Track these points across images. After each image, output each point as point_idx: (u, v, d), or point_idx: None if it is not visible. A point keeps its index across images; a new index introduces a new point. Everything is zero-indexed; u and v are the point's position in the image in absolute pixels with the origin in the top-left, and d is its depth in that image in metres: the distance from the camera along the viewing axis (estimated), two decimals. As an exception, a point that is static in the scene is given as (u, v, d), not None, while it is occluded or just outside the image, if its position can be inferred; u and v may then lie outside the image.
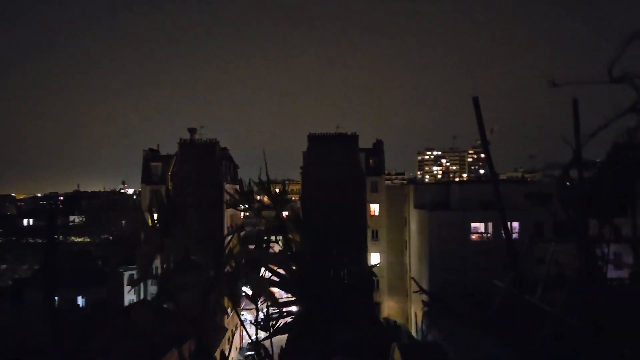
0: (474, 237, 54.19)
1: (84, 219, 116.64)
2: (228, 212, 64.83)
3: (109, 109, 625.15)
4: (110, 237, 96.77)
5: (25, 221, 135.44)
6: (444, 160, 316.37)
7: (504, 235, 12.59)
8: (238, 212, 74.47)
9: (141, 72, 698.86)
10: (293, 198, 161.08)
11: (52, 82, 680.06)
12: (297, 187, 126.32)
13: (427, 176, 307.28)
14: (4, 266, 76.52)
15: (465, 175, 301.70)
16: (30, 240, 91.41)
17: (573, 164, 11.78)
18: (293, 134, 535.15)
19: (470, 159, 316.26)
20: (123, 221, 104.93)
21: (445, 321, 24.40)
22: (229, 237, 64.90)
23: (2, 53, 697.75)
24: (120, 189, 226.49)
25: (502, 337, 8.55)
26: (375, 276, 60.68)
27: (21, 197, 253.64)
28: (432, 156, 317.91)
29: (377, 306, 61.44)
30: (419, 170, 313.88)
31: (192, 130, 64.88)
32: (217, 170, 62.90)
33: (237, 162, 76.37)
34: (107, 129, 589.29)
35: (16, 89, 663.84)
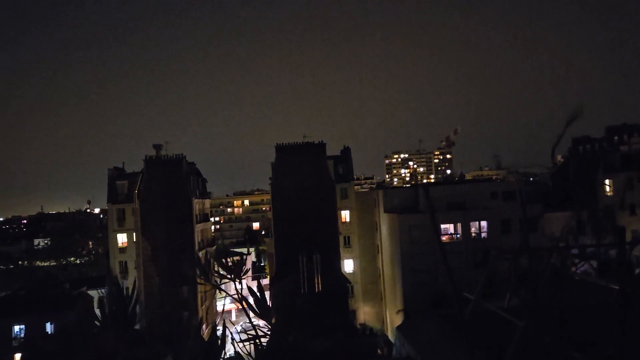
0: (444, 238, 54.98)
1: (49, 242, 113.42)
2: (198, 227, 64.15)
3: (71, 128, 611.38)
4: (77, 260, 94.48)
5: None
6: (411, 163, 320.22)
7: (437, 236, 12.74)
8: (208, 226, 73.78)
9: (104, 89, 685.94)
10: (264, 208, 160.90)
11: (11, 101, 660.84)
12: (267, 197, 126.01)
13: (396, 179, 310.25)
14: (-34, 296, 73.72)
15: (432, 176, 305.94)
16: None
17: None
18: (261, 144, 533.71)
19: (436, 160, 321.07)
20: (90, 242, 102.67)
21: (419, 336, 24.69)
22: (201, 252, 64.32)
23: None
24: (86, 209, 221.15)
25: (474, 351, 8.72)
26: (350, 282, 60.94)
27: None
28: (399, 159, 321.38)
29: (352, 313, 61.66)
30: (387, 173, 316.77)
31: (157, 147, 64.02)
32: (185, 185, 62.19)
33: (206, 175, 75.83)
34: (70, 149, 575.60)
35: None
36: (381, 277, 64.95)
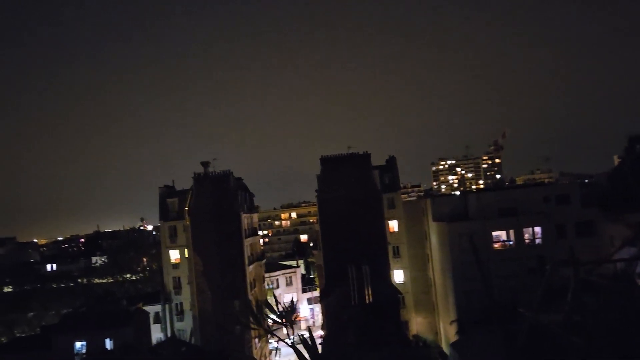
0: (496, 245, 53.52)
1: (105, 260, 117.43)
2: (247, 241, 64.98)
3: (124, 149, 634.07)
4: (133, 276, 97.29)
5: (48, 267, 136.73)
6: (458, 169, 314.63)
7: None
8: (257, 240, 74.63)
9: (153, 110, 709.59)
10: (311, 220, 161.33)
11: (67, 125, 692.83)
12: (314, 209, 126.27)
13: (443, 186, 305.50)
14: (31, 314, 77.11)
15: (481, 182, 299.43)
16: (54, 286, 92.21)
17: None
18: (306, 156, 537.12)
19: (485, 165, 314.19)
20: (144, 259, 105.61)
21: (474, 355, 23.99)
22: (251, 266, 64.81)
23: (19, 101, 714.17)
24: (140, 226, 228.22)
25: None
26: (400, 293, 60.10)
27: (43, 242, 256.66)
28: (446, 165, 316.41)
29: (404, 324, 60.69)
30: (435, 180, 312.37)
31: (205, 164, 65.43)
32: (233, 200, 63.22)
33: (253, 190, 76.82)
34: (123, 169, 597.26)
35: (32, 138, 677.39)
36: (433, 287, 63.78)
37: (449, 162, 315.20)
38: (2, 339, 70.14)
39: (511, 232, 53.67)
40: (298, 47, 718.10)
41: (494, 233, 53.78)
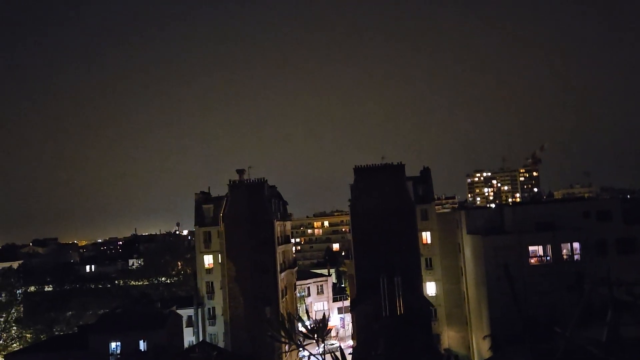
0: (532, 260, 52.42)
1: (142, 263, 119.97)
2: (280, 248, 65.47)
3: (161, 154, 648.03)
4: (167, 280, 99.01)
5: (87, 267, 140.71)
6: (494, 181, 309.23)
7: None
8: (290, 248, 75.11)
9: (191, 117, 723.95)
10: (344, 229, 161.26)
11: (106, 133, 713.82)
12: (346, 219, 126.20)
13: (478, 198, 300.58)
14: (69, 313, 79.40)
15: (518, 195, 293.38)
16: (92, 287, 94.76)
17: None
18: (340, 165, 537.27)
19: (522, 178, 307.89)
20: (179, 263, 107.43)
21: None
22: (283, 274, 65.48)
23: (56, 107, 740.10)
24: (175, 230, 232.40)
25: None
26: (432, 305, 59.40)
27: (83, 244, 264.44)
28: (482, 178, 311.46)
29: (436, 337, 59.90)
30: (469, 192, 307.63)
31: (240, 171, 66.49)
32: (266, 208, 63.89)
33: (286, 198, 77.48)
34: (162, 175, 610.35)
35: (76, 144, 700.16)
36: (466, 301, 62.78)
37: (484, 174, 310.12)
38: (42, 337, 72.34)
39: (548, 247, 52.49)
40: (336, 58, 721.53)
41: (531, 248, 52.73)
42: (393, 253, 58.10)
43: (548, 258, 52.46)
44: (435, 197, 75.91)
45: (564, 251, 52.71)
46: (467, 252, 60.29)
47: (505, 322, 48.35)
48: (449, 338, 63.94)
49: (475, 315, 59.44)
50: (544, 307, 46.54)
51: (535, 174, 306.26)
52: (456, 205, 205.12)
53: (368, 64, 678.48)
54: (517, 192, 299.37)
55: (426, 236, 64.54)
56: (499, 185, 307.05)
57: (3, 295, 74.37)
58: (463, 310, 63.64)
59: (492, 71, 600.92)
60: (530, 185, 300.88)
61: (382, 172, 61.96)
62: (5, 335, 71.20)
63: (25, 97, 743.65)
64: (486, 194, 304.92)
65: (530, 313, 44.93)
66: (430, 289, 63.74)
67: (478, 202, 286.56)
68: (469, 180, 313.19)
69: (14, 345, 71.16)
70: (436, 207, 73.99)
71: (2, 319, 70.90)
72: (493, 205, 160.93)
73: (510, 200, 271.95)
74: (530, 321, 43.14)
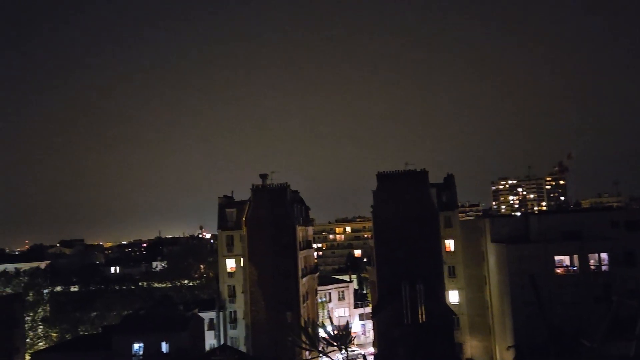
0: (558, 270, 51.42)
1: (165, 265, 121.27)
2: (302, 253, 65.52)
3: (185, 158, 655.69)
4: (190, 282, 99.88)
5: (112, 269, 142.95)
6: (520, 189, 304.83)
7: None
8: (311, 253, 75.09)
9: (212, 122, 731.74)
10: (366, 235, 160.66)
11: (132, 138, 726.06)
12: (369, 225, 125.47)
13: (503, 206, 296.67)
14: (94, 313, 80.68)
15: (544, 203, 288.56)
16: (117, 288, 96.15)
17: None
18: (362, 171, 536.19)
19: (548, 187, 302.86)
20: (202, 266, 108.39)
21: None
22: (304, 279, 65.53)
23: (82, 108, 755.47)
24: (199, 234, 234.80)
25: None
26: (455, 314, 58.70)
27: (108, 246, 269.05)
28: (507, 185, 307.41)
29: (458, 346, 59.13)
30: (494, 200, 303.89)
31: (263, 176, 66.87)
32: (289, 213, 64.05)
33: (308, 203, 77.56)
34: (186, 178, 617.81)
35: (100, 147, 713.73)
36: (489, 310, 61.86)
37: (510, 182, 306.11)
38: (67, 336, 73.66)
39: (575, 257, 51.52)
40: (358, 64, 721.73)
41: (557, 257, 51.84)
42: (415, 260, 57.61)
43: (575, 268, 51.46)
44: (459, 204, 74.91)
45: (592, 261, 51.64)
46: (491, 260, 59.46)
47: (530, 332, 47.62)
48: (471, 347, 63.02)
49: (499, 325, 58.52)
50: (570, 319, 45.62)
51: (562, 182, 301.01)
52: (480, 213, 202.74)
53: (391, 70, 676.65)
54: (544, 200, 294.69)
55: (449, 244, 63.88)
56: (524, 193, 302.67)
57: (31, 294, 75.94)
58: (486, 319, 62.72)
59: (518, 78, 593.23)
60: (557, 194, 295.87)
61: (405, 179, 61.58)
62: (32, 334, 72.69)
63: (51, 96, 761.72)
64: (511, 202, 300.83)
65: (556, 324, 44.08)
66: (453, 297, 62.99)
67: (503, 210, 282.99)
68: (493, 187, 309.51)
69: (41, 343, 72.64)
70: (460, 214, 73.08)
71: (29, 318, 72.41)
72: (518, 214, 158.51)
73: (536, 208, 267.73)
74: (556, 332, 42.34)
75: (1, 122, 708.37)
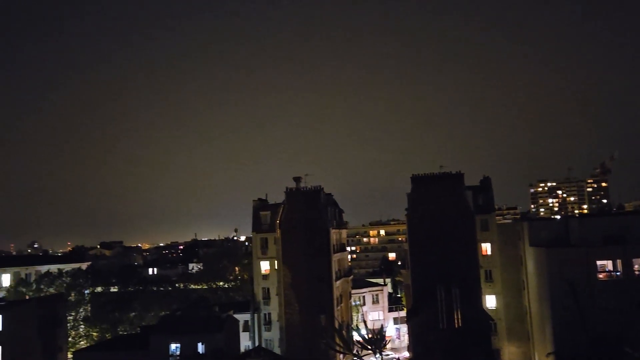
0: (601, 276, 49.76)
1: (201, 267, 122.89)
2: (335, 256, 65.40)
3: (222, 162, 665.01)
4: (225, 284, 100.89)
5: (150, 270, 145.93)
6: (559, 192, 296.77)
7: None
8: (345, 256, 74.91)
9: (247, 126, 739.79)
10: (400, 239, 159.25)
11: (169, 142, 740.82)
12: (403, 228, 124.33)
13: (542, 209, 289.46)
14: (132, 314, 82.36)
15: (585, 206, 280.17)
16: (154, 289, 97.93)
17: None
18: (397, 174, 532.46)
19: (589, 189, 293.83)
20: (236, 268, 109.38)
21: None
22: (338, 282, 65.45)
23: (121, 122, 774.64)
24: (233, 236, 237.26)
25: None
26: (492, 319, 57.53)
27: (146, 247, 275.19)
28: (546, 188, 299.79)
29: (496, 352, 57.89)
30: (533, 203, 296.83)
31: (297, 179, 67.09)
32: (322, 216, 64.07)
33: (342, 206, 77.41)
34: (221, 181, 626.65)
35: (140, 151, 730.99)
36: (528, 315, 60.37)
37: (549, 184, 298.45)
38: (107, 335, 75.42)
39: (618, 262, 49.80)
40: (394, 67, 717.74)
41: (599, 262, 50.17)
42: (451, 264, 56.79)
43: (618, 273, 49.73)
44: (496, 207, 73.39)
45: (636, 266, 49.84)
46: (530, 265, 58.08)
47: (570, 339, 46.27)
48: (509, 353, 61.61)
49: (538, 331, 57.06)
50: (613, 326, 44.10)
51: (604, 184, 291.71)
52: (518, 216, 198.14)
53: (425, 73, 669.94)
54: (585, 203, 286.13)
55: (486, 247, 62.66)
56: (564, 195, 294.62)
57: (73, 294, 78.01)
58: (525, 325, 61.23)
59: (558, 78, 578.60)
60: (598, 197, 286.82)
61: (440, 181, 60.83)
62: (74, 333, 74.64)
63: (99, 99, 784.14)
64: (550, 204, 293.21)
65: (598, 331, 42.71)
66: (490, 301, 61.74)
67: (542, 213, 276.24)
68: (532, 190, 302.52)
69: (82, 342, 74.54)
70: (497, 217, 71.58)
71: (71, 318, 74.38)
72: (558, 217, 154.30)
73: (576, 211, 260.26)
74: (598, 339, 41.00)
75: (46, 132, 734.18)
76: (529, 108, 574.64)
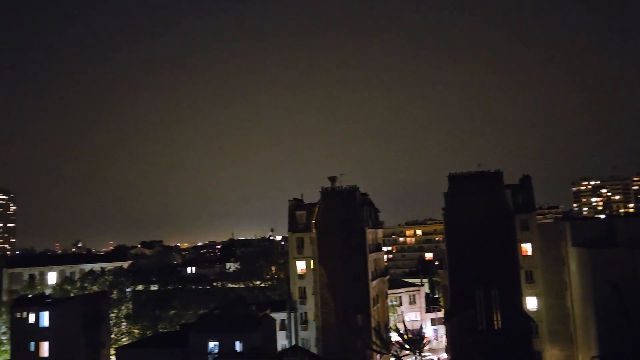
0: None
1: (238, 266, 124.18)
2: (371, 256, 65.07)
3: (258, 163, 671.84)
4: (262, 284, 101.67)
5: (188, 269, 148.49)
6: (604, 190, 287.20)
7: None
8: (381, 256, 74.46)
9: (282, 127, 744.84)
10: (437, 239, 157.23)
11: (205, 147, 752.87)
12: (440, 227, 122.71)
13: (585, 209, 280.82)
14: (172, 312, 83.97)
15: (631, 205, 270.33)
16: (193, 288, 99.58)
17: None
18: (433, 173, 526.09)
19: (635, 187, 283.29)
20: (273, 267, 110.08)
21: None
22: (374, 282, 65.14)
23: (157, 123, 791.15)
24: (270, 236, 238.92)
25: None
26: (533, 321, 56.14)
27: (185, 247, 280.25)
28: (589, 186, 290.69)
29: (537, 355, 56.46)
30: (575, 202, 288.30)
31: (332, 179, 67.05)
32: (358, 216, 63.86)
33: (378, 206, 76.91)
34: (257, 181, 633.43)
35: (181, 153, 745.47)
36: (571, 317, 58.63)
37: (592, 182, 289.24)
38: (148, 333, 77.14)
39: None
40: (433, 65, 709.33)
41: (646, 263, 48.18)
42: (490, 264, 55.71)
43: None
44: (537, 206, 71.55)
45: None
46: (573, 265, 56.41)
47: (616, 342, 44.76)
48: (551, 357, 59.97)
49: (582, 334, 55.34)
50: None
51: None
52: (560, 216, 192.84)
53: (466, 71, 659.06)
54: (630, 202, 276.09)
55: (526, 247, 61.13)
56: (609, 194, 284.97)
57: (115, 292, 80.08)
58: (568, 327, 59.49)
59: (601, 75, 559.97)
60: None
61: (478, 180, 59.72)
62: (116, 329, 76.65)
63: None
64: (594, 203, 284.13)
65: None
66: (531, 303, 60.21)
67: (585, 213, 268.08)
68: (574, 189, 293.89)
69: (124, 339, 76.47)
70: (538, 217, 69.74)
71: (113, 315, 76.38)
72: (602, 216, 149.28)
73: (622, 210, 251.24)
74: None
75: (93, 137, 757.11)
76: (570, 104, 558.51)
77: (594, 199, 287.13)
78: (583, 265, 52.66)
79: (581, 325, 55.47)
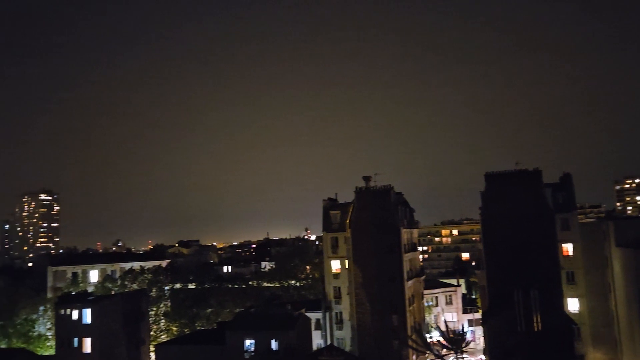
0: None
1: (273, 265, 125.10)
2: (407, 256, 64.52)
3: (293, 163, 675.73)
4: (297, 283, 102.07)
5: (224, 268, 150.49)
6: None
7: None
8: (416, 256, 73.73)
9: (320, 127, 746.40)
10: (474, 238, 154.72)
11: (239, 148, 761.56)
12: (477, 227, 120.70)
13: (629, 207, 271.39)
14: (209, 310, 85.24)
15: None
16: (229, 286, 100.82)
17: None
18: (469, 172, 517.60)
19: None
20: (307, 267, 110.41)
21: None
22: (410, 282, 64.52)
23: (193, 123, 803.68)
24: (304, 235, 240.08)
25: None
26: (575, 323, 54.58)
27: (221, 246, 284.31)
28: (633, 185, 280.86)
29: (580, 359, 54.88)
30: (619, 201, 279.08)
31: (366, 178, 66.77)
32: (393, 215, 63.40)
33: (413, 205, 76.18)
34: (292, 181, 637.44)
35: (219, 154, 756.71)
36: (615, 320, 56.77)
37: (636, 180, 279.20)
38: (186, 330, 78.55)
39: None
40: (472, 64, 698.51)
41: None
42: (529, 265, 54.41)
43: None
44: (578, 205, 69.50)
45: None
46: (616, 266, 54.64)
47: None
48: (594, 360, 58.22)
49: (628, 337, 53.51)
50: None
51: None
52: (602, 215, 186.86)
53: (503, 70, 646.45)
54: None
55: (567, 248, 59.55)
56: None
57: (154, 290, 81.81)
58: (612, 330, 57.64)
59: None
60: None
61: (516, 179, 58.40)
62: (155, 327, 78.30)
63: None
64: (639, 202, 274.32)
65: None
66: (573, 305, 58.58)
67: (629, 212, 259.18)
68: (617, 187, 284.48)
69: (163, 336, 78.07)
70: (579, 216, 67.77)
71: (152, 313, 78.03)
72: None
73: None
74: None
75: (136, 139, 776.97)
76: (612, 101, 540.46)
77: (638, 198, 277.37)
78: (627, 266, 50.94)
79: (626, 328, 53.66)
